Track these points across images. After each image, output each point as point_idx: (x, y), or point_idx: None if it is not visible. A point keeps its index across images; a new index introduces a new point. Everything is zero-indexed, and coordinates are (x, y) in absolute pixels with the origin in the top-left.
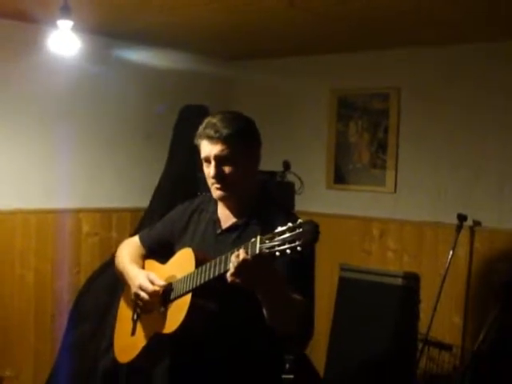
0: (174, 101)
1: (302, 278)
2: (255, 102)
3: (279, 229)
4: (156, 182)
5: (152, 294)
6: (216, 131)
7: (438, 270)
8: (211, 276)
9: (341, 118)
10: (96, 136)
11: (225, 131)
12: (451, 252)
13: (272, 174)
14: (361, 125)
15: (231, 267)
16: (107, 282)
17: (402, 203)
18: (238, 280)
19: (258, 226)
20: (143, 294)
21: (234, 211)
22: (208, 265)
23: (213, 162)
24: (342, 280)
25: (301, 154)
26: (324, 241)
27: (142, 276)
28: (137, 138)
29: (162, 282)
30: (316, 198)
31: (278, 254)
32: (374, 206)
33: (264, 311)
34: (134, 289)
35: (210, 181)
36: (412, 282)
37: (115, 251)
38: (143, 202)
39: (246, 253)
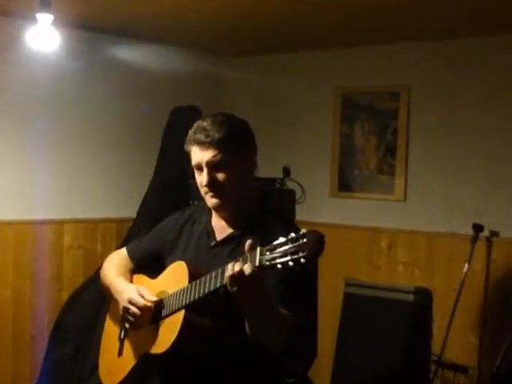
0: (164, 101)
1: (301, 293)
2: (251, 103)
3: (281, 239)
4: (144, 190)
5: (143, 309)
6: (207, 135)
7: (452, 285)
8: (206, 291)
9: (345, 119)
10: (79, 140)
11: (216, 135)
12: (466, 265)
13: (270, 180)
14: (367, 127)
15: (226, 276)
16: (92, 300)
17: (412, 212)
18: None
19: (256, 237)
20: (134, 309)
21: (229, 222)
22: (203, 279)
23: (205, 169)
24: (347, 296)
25: (302, 159)
26: (327, 253)
27: (132, 289)
28: (123, 142)
29: (154, 297)
30: (319, 206)
31: (279, 266)
32: (382, 216)
33: (246, 324)
34: (122, 303)
35: (203, 189)
36: (424, 297)
37: (100, 265)
38: (130, 211)
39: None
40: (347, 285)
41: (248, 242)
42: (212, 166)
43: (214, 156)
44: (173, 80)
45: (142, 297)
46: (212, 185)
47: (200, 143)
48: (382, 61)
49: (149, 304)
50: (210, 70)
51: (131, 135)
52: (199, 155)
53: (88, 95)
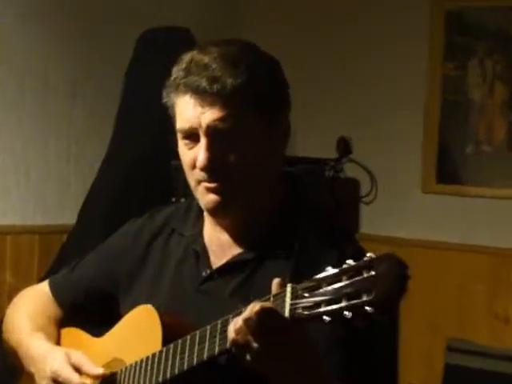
0: (131, 24)
1: (371, 365)
2: (280, 28)
3: (330, 271)
4: (88, 181)
5: None
6: (213, 80)
7: None
8: (194, 361)
9: (452, 53)
10: None
11: (230, 81)
12: None
13: (316, 164)
14: (491, 67)
15: (229, 334)
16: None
17: None
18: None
19: (285, 261)
20: None
21: (236, 234)
22: (188, 340)
23: (203, 140)
24: (451, 369)
25: (372, 125)
26: (417, 293)
27: (60, 358)
28: (51, 97)
29: (100, 369)
30: (403, 210)
31: (326, 318)
32: None
33: None
34: (43, 382)
35: (196, 175)
36: None
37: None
38: (65, 216)
39: (265, 313)
40: (451, 350)
41: (276, 281)
42: (217, 136)
43: (222, 118)
44: None
45: (78, 369)
46: (213, 168)
47: (199, 92)
48: None
49: (88, 383)
50: None
51: (65, 78)
52: (194, 113)
53: None
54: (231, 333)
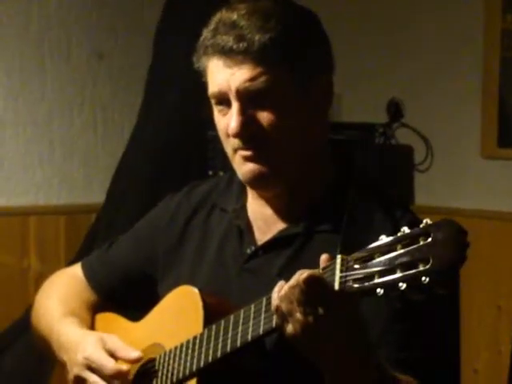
0: None
1: (428, 344)
2: None
3: (383, 239)
4: (118, 152)
5: (116, 376)
6: (240, 38)
7: None
8: (237, 343)
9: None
10: None
11: (258, 38)
12: None
13: (365, 129)
14: None
15: (273, 301)
16: (18, 367)
17: None
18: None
19: (334, 235)
20: (94, 379)
21: (280, 207)
22: (231, 320)
23: (235, 105)
24: None
25: (426, 86)
26: (479, 269)
27: (93, 342)
28: (74, 61)
29: (134, 353)
30: (461, 177)
31: (380, 291)
32: None
33: None
34: (75, 369)
35: (231, 143)
36: None
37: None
38: (93, 193)
39: (312, 282)
40: None
41: (324, 256)
42: (248, 98)
43: (252, 78)
44: None
45: (113, 354)
46: (246, 134)
47: (225, 52)
48: None
49: (124, 369)
50: None
51: (90, 40)
52: (223, 76)
53: None
54: (275, 299)
